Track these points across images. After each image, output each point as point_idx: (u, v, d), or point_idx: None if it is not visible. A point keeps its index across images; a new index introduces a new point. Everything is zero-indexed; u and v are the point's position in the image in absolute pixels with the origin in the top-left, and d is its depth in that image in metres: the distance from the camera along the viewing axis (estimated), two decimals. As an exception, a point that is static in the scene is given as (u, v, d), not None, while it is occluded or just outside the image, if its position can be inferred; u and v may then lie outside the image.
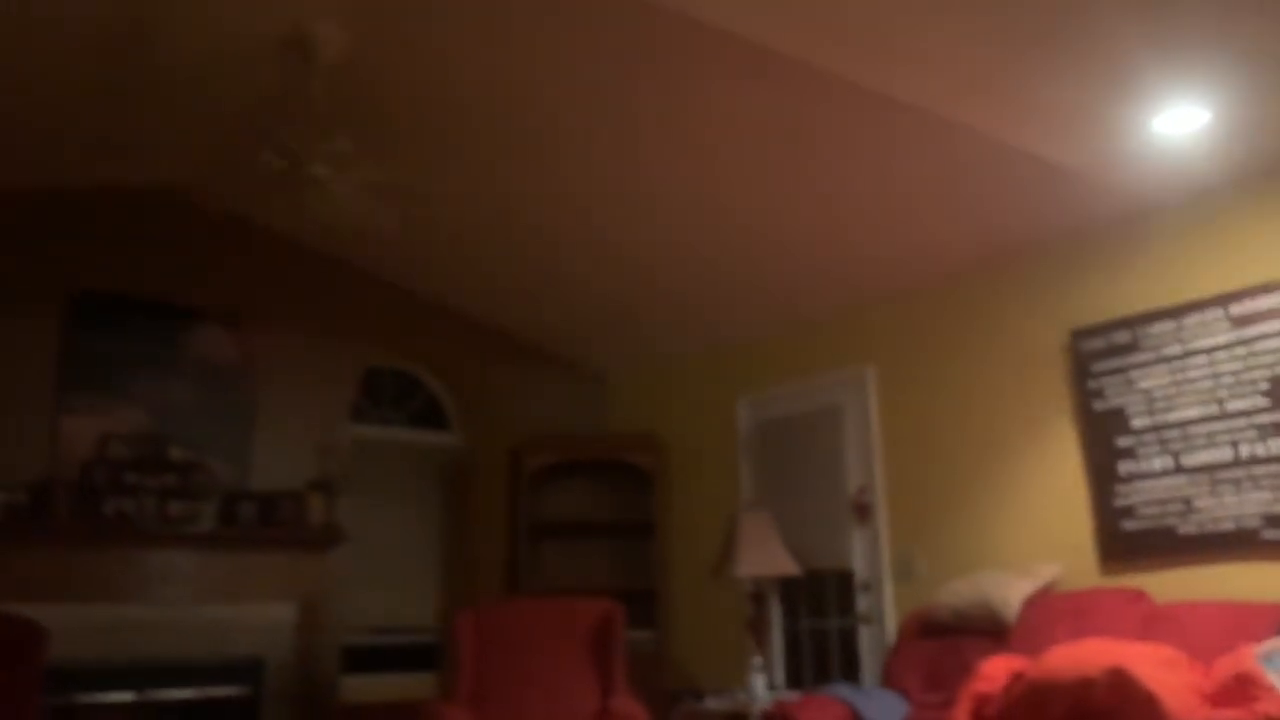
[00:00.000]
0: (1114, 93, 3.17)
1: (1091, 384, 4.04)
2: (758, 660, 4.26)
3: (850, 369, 4.97)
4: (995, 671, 3.15)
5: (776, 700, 3.97)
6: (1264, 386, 3.59)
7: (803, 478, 5.11)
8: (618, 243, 4.61)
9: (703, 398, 5.71)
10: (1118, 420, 3.95)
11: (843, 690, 3.90)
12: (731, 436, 5.51)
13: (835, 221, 4.22)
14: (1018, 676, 3.02)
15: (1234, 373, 3.67)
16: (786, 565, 4.47)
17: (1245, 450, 3.60)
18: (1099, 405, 4.01)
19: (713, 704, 4.26)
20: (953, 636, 3.98)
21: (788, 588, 5.07)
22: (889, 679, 4.08)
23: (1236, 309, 3.69)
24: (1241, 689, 2.70)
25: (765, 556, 4.46)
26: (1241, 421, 3.63)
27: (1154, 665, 2.82)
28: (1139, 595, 3.65)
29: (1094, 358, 4.05)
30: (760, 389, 5.41)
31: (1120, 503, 3.90)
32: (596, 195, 4.21)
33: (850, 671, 4.75)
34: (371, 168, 3.42)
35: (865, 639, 4.72)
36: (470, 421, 5.78)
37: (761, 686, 4.16)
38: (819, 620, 5.00)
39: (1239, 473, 3.61)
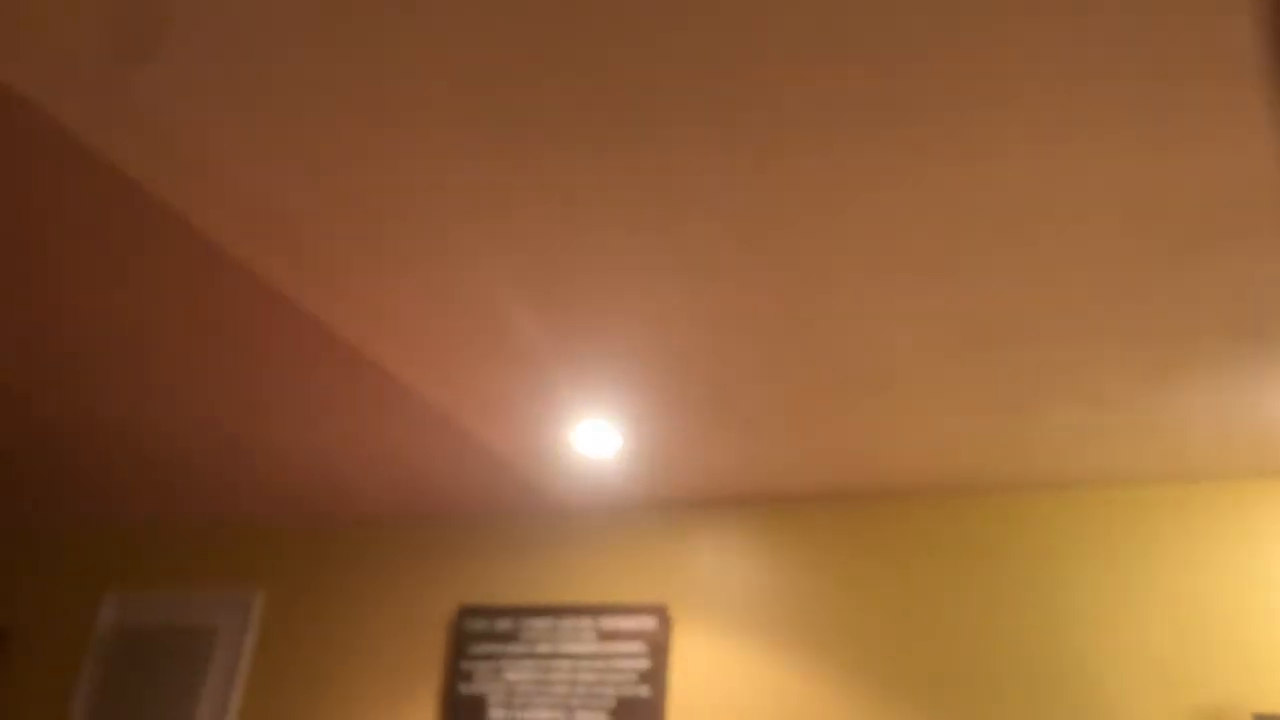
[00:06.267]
0: (539, 399, 3.30)
1: (464, 664, 4.00)
2: None
3: (237, 589, 4.56)
4: None
5: None
6: (611, 704, 3.74)
7: (151, 701, 4.49)
8: None
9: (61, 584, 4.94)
10: (478, 708, 3.91)
11: None
12: (88, 636, 4.77)
13: (252, 429, 3.93)
14: None
15: (589, 684, 3.81)
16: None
17: (580, 763, 3.70)
18: (465, 688, 3.96)
19: None
20: None
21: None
22: None
23: (606, 623, 3.88)
24: None
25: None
26: (583, 734, 3.74)
27: None
28: None
29: (474, 639, 4.03)
30: (136, 588, 4.79)
31: (457, 795, 3.80)
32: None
33: None
34: None
35: None
36: None
37: None
38: None
39: (569, 785, 3.68)
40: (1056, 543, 3.47)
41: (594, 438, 3.52)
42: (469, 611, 4.08)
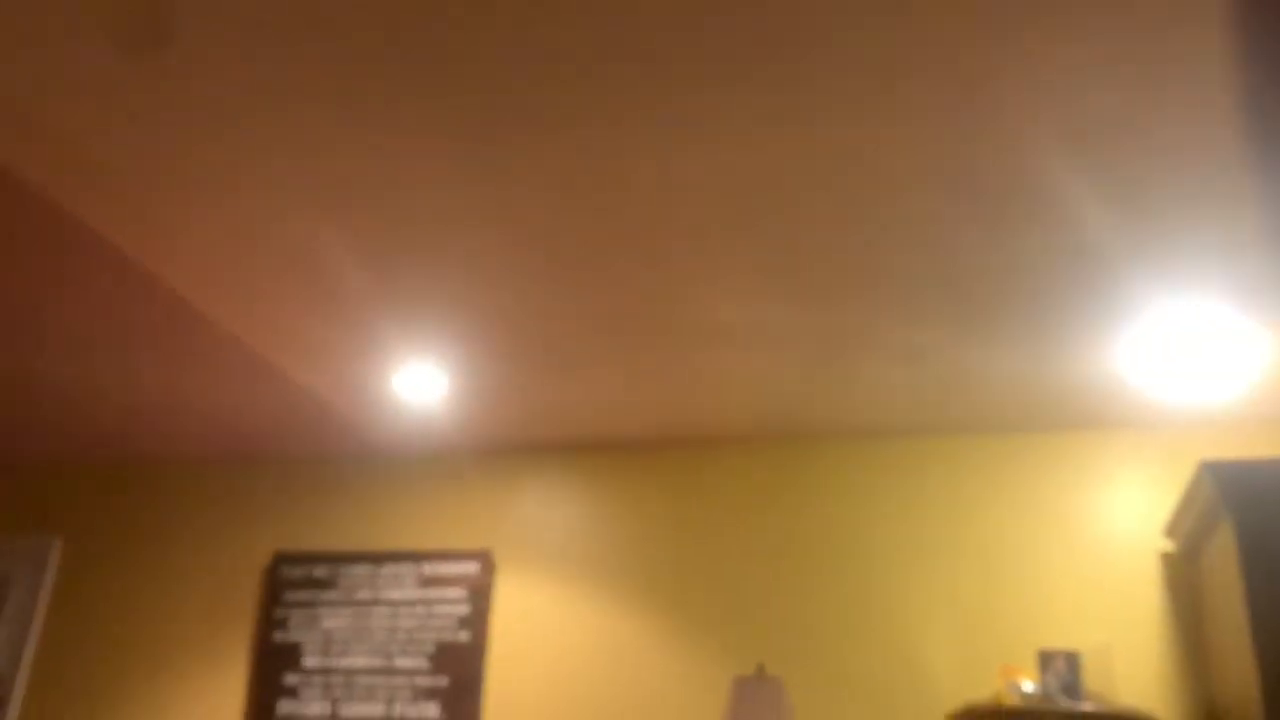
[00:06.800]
0: (361, 341, 3.21)
1: (279, 612, 3.90)
2: None
3: (32, 536, 4.29)
4: None
5: None
6: (430, 649, 3.73)
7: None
8: None
9: None
10: (292, 655, 3.82)
11: None
12: None
13: (50, 365, 3.68)
14: None
15: (409, 630, 3.77)
16: None
17: (398, 709, 3.66)
18: (279, 636, 3.86)
19: None
20: None
21: None
22: None
23: (428, 569, 3.85)
24: None
25: None
26: (402, 680, 3.70)
27: None
28: None
29: (290, 586, 3.92)
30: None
31: (270, 744, 3.72)
32: None
33: None
34: None
35: None
36: None
37: None
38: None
39: (387, 731, 3.65)
40: (867, 489, 3.62)
41: (418, 382, 3.46)
42: (285, 558, 3.97)
